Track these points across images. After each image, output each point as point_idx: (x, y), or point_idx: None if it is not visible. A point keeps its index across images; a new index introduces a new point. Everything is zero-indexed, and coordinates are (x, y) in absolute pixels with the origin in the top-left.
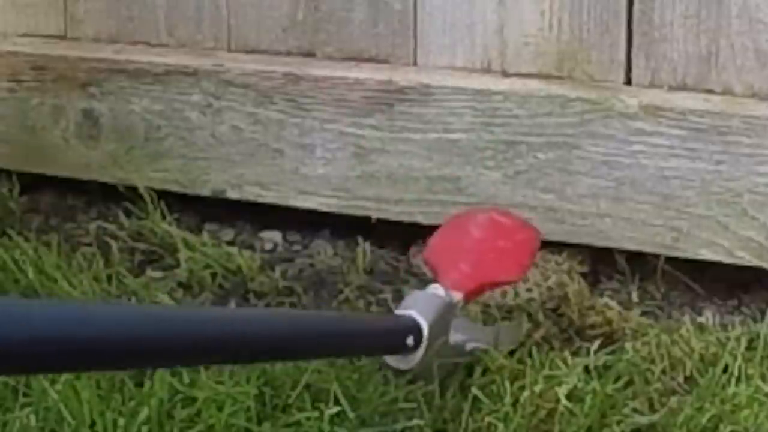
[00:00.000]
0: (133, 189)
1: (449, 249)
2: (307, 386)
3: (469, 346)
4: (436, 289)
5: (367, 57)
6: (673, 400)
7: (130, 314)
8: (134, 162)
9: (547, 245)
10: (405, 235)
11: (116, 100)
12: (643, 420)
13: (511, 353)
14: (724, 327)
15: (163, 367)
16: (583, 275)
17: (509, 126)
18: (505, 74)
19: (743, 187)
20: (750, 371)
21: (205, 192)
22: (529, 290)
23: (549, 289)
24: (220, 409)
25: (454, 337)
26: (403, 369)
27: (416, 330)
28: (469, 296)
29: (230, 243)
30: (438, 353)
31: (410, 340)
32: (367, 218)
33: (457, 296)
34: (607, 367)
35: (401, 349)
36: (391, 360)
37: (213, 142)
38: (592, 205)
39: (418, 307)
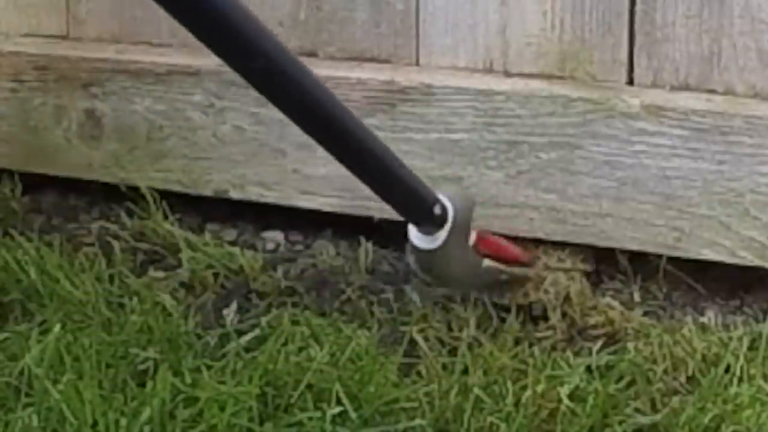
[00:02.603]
0: (135, 189)
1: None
2: (309, 386)
3: (485, 264)
4: (462, 191)
5: (369, 57)
6: (675, 400)
7: None
8: (136, 162)
9: (549, 245)
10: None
11: (118, 100)
12: (645, 420)
13: (514, 354)
14: (726, 327)
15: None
16: (586, 275)
17: (511, 126)
18: (508, 74)
19: (745, 187)
20: (752, 371)
21: (207, 192)
22: (530, 290)
23: (551, 288)
24: (222, 409)
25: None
26: (426, 249)
27: (442, 207)
28: (482, 240)
29: (232, 243)
30: (459, 253)
31: (438, 210)
32: (369, 218)
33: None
34: (609, 367)
35: (428, 217)
36: (416, 239)
37: (215, 142)
38: (594, 205)
39: (446, 194)
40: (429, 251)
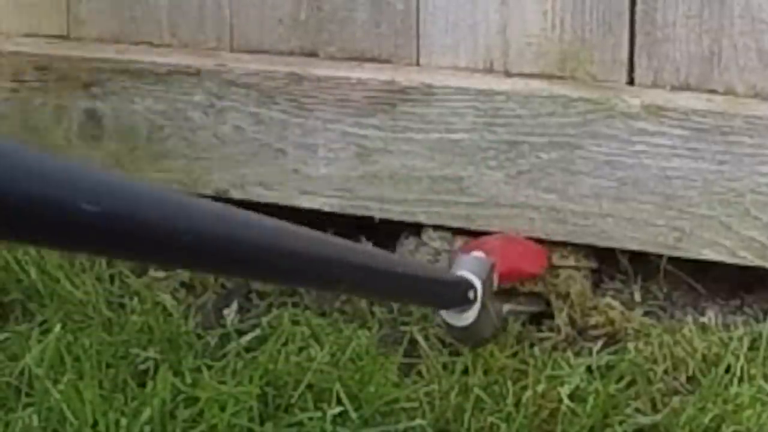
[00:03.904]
0: None
1: (475, 248)
2: (310, 386)
3: (506, 308)
4: (479, 253)
5: (370, 57)
6: (676, 400)
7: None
8: (137, 162)
9: (550, 245)
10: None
11: (119, 100)
12: (646, 420)
13: (514, 353)
14: (726, 327)
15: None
16: (592, 272)
17: (512, 126)
18: (508, 74)
19: (746, 187)
20: (752, 371)
21: (208, 192)
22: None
23: (552, 287)
24: (222, 409)
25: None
26: (461, 326)
27: (472, 286)
28: (500, 278)
29: None
30: (488, 314)
31: (471, 294)
32: (370, 218)
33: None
34: (609, 367)
35: (463, 302)
36: (449, 318)
37: (215, 142)
38: (594, 205)
39: (468, 268)
40: (463, 327)
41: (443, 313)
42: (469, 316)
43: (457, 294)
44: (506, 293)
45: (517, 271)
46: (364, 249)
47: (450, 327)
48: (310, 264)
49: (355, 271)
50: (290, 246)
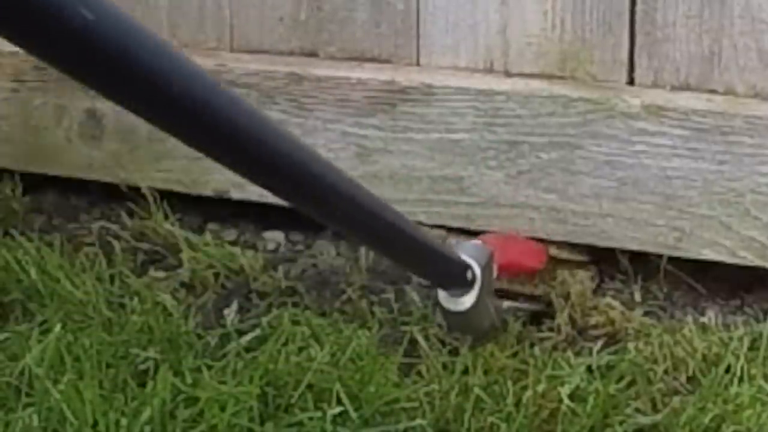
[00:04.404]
0: (136, 189)
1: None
2: (310, 386)
3: (506, 304)
4: (478, 242)
5: (370, 57)
6: (676, 400)
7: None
8: (137, 162)
9: (550, 245)
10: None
11: None
12: (646, 420)
13: (514, 353)
14: (726, 327)
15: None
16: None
17: (512, 126)
18: (508, 74)
19: (746, 187)
20: (753, 371)
21: (208, 192)
22: (532, 290)
23: (552, 287)
24: (222, 409)
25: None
26: (458, 312)
27: (472, 269)
28: (499, 271)
29: (233, 243)
30: (486, 305)
31: (470, 275)
32: None
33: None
34: (609, 367)
35: (462, 283)
36: (447, 302)
37: None
38: (594, 205)
39: (468, 253)
40: (461, 312)
41: (440, 297)
42: (466, 301)
43: (455, 272)
44: (507, 295)
45: (517, 265)
46: (370, 193)
47: (446, 313)
48: (311, 179)
49: (352, 204)
50: (287, 153)
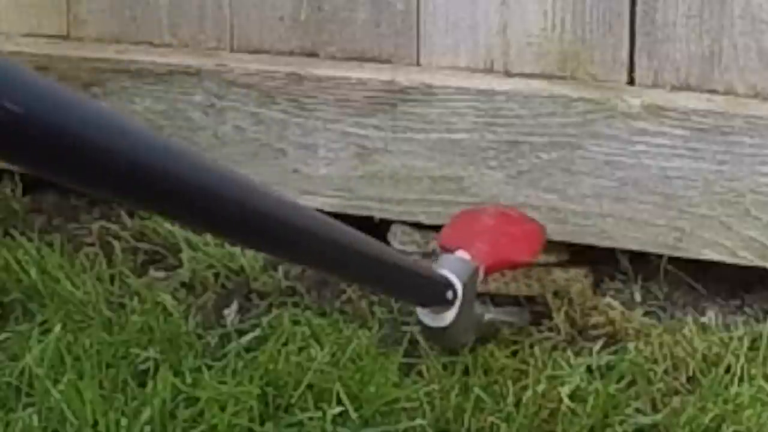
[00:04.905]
0: None
1: (465, 232)
2: (310, 386)
3: (487, 316)
4: (464, 255)
5: (370, 57)
6: (676, 400)
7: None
8: None
9: (550, 245)
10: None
11: (119, 100)
12: (646, 420)
13: (514, 353)
14: (726, 327)
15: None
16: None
17: (512, 126)
18: (508, 74)
19: (746, 187)
20: (753, 371)
21: None
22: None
23: (552, 286)
24: (222, 409)
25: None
26: (438, 328)
27: (452, 287)
28: (487, 271)
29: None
30: (466, 319)
31: (450, 294)
32: (370, 218)
33: (480, 265)
34: (609, 367)
35: (441, 302)
36: (426, 318)
37: (215, 142)
38: (594, 205)
39: (450, 268)
40: (441, 329)
41: (419, 312)
42: (446, 318)
43: (435, 292)
44: (494, 300)
45: (507, 263)
46: (340, 225)
47: (425, 327)
48: (279, 227)
49: (318, 240)
50: (239, 199)
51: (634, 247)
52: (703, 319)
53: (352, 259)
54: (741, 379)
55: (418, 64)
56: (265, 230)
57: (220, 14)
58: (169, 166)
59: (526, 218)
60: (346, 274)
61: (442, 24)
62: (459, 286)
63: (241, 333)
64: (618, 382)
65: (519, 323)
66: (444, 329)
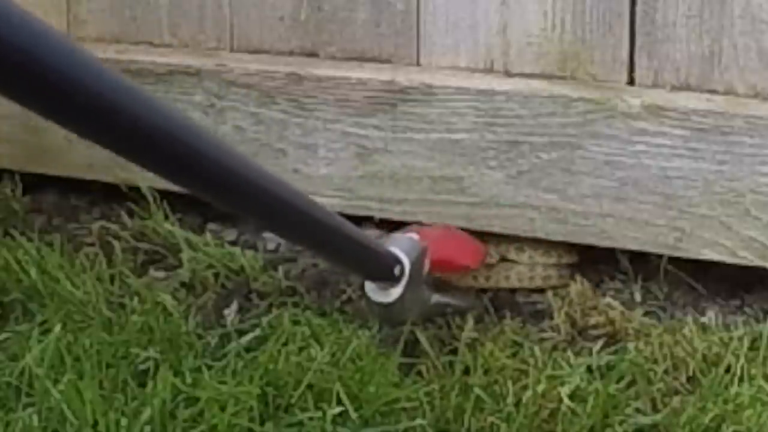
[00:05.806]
0: (136, 189)
1: (415, 230)
2: (310, 386)
3: (434, 299)
4: (413, 235)
5: (370, 57)
6: (676, 400)
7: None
8: None
9: (551, 245)
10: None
11: None
12: (646, 420)
13: (514, 353)
14: (726, 327)
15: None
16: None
17: (512, 126)
18: (508, 74)
19: (746, 187)
20: (753, 371)
21: None
22: (530, 288)
23: (552, 288)
24: (222, 409)
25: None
26: (383, 303)
27: (400, 263)
28: (431, 266)
29: (233, 243)
30: (413, 298)
31: (397, 270)
32: (370, 218)
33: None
34: (609, 367)
35: (389, 277)
36: (373, 293)
37: None
38: (594, 205)
39: (399, 246)
40: (386, 304)
41: (366, 286)
42: (392, 294)
43: (383, 267)
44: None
45: (449, 262)
46: (294, 189)
47: (370, 301)
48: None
49: (274, 200)
50: (191, 144)
51: (634, 247)
52: (703, 319)
53: (303, 221)
54: (741, 379)
55: (418, 64)
56: (212, 178)
57: (220, 14)
58: (128, 105)
59: (469, 236)
60: (295, 236)
61: (442, 24)
62: (407, 264)
63: (241, 333)
64: (618, 382)
65: (463, 307)
66: (388, 305)
